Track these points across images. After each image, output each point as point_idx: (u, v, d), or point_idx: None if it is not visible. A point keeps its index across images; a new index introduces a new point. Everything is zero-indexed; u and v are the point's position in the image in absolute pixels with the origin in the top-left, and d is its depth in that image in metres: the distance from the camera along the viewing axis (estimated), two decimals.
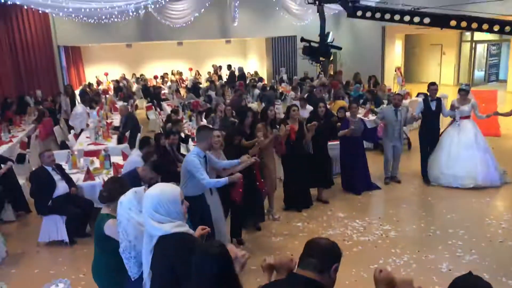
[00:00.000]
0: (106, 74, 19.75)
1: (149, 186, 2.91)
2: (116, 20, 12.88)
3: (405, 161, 8.06)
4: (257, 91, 13.46)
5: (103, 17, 12.37)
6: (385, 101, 10.18)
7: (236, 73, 16.99)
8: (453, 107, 7.17)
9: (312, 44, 6.69)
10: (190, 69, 21.12)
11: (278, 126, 6.18)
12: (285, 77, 16.39)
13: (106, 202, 3.39)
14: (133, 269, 2.97)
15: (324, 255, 2.03)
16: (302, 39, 6.70)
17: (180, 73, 20.31)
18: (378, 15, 6.13)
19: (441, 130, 7.46)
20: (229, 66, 18.64)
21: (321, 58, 7.10)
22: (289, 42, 17.41)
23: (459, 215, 5.99)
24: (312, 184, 6.60)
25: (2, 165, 6.37)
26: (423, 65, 21.97)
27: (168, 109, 11.56)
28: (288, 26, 16.14)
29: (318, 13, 6.74)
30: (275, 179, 6.16)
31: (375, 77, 13.58)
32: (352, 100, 10.37)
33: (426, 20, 5.13)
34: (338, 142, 7.16)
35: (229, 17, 15.71)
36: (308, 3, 6.91)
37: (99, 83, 18.96)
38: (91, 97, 13.00)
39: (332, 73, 17.22)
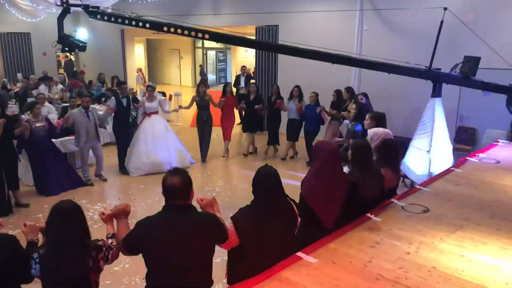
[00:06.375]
0: None
1: None
2: None
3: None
4: None
5: None
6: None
7: None
8: (137, 107, 8.28)
9: (70, 39, 7.38)
10: None
11: None
12: (20, 76, 15.14)
13: None
14: None
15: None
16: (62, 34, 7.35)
17: None
18: (112, 19, 6.90)
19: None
20: None
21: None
22: (23, 39, 16.09)
23: None
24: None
25: None
26: (165, 68, 23.79)
27: None
28: (19, 22, 14.92)
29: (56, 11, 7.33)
30: None
31: (118, 77, 14.17)
32: (94, 98, 10.78)
33: (147, 25, 6.08)
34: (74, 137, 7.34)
35: None
36: (57, 5, 7.54)
37: None
38: None
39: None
